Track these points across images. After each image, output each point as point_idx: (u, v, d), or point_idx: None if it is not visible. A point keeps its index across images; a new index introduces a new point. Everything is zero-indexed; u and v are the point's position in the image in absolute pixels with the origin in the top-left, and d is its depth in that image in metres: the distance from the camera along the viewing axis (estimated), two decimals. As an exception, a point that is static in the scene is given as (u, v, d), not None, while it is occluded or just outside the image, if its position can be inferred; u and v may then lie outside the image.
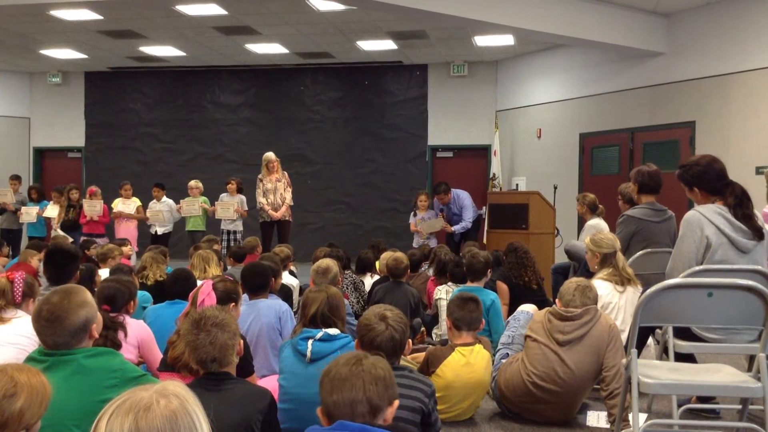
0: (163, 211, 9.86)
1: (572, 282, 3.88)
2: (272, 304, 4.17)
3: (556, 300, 3.90)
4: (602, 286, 4.35)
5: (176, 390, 1.33)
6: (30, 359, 2.41)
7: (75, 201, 9.79)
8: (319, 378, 1.98)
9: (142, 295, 4.91)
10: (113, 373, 2.41)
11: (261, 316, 4.04)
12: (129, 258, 7.01)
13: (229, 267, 6.68)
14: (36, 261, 6.33)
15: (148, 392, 1.30)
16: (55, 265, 4.31)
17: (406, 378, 2.83)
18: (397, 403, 1.97)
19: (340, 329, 3.28)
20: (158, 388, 1.32)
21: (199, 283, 4.06)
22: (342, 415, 1.87)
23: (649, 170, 4.99)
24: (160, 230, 9.91)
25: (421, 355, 4.07)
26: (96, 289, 3.83)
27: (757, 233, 3.60)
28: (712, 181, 3.73)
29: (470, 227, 9.11)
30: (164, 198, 10.06)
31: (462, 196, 9.21)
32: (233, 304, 3.62)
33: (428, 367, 3.77)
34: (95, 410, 2.26)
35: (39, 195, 10.58)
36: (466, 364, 3.73)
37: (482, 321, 3.93)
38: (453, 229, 9.05)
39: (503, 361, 4.04)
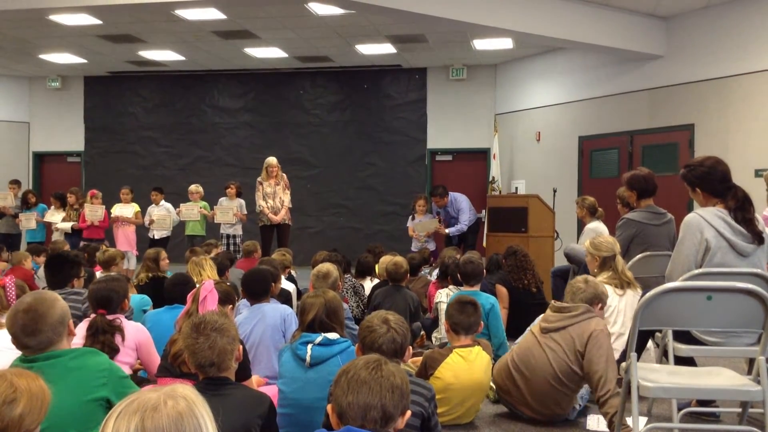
0: (169, 215, 9.82)
1: (576, 279, 3.98)
2: (276, 307, 4.17)
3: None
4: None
5: (185, 392, 1.33)
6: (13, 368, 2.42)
7: (77, 205, 9.75)
8: (336, 375, 1.95)
9: (141, 298, 4.90)
10: (101, 372, 2.46)
11: (266, 317, 4.03)
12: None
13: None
14: (29, 263, 6.33)
15: (157, 393, 1.30)
16: (56, 270, 4.32)
17: (406, 382, 2.83)
18: (409, 413, 1.94)
19: (340, 333, 3.27)
20: (167, 389, 1.32)
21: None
22: (354, 417, 1.84)
23: (644, 175, 4.99)
24: (158, 235, 9.86)
25: (420, 359, 4.06)
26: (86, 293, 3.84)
27: (757, 237, 3.60)
28: (715, 183, 3.73)
29: (466, 230, 9.11)
30: (162, 202, 10.04)
31: (459, 199, 9.20)
32: (231, 306, 3.62)
33: (426, 369, 3.77)
34: (88, 409, 2.29)
35: (37, 199, 10.55)
36: (466, 364, 3.73)
37: (480, 323, 3.94)
38: (447, 231, 9.05)
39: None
